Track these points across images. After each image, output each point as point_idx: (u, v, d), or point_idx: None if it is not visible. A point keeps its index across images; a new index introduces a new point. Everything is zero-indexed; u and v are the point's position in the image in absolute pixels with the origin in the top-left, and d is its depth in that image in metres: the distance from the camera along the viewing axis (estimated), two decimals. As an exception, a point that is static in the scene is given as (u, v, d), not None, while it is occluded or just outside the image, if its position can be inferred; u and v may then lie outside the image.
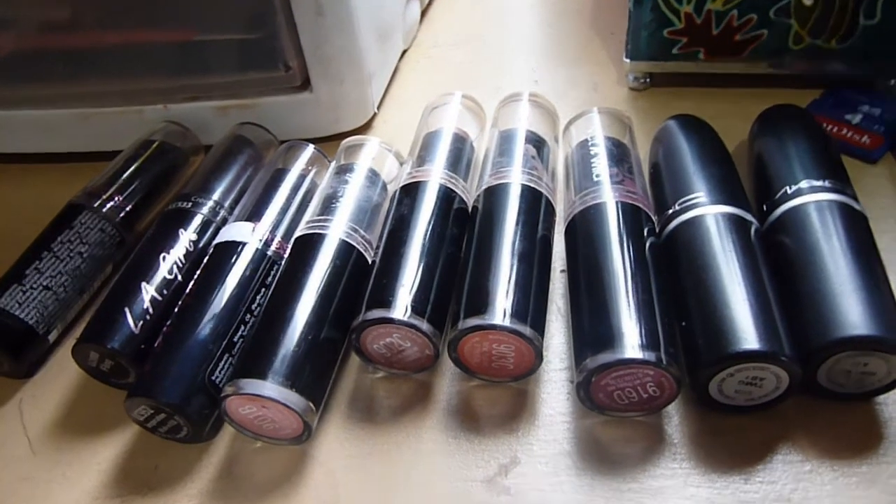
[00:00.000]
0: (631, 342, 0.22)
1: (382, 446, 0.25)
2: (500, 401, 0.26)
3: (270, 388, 0.23)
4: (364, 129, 0.38)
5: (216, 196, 0.31)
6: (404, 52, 0.43)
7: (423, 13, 0.46)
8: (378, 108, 0.39)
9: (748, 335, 0.22)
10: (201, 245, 0.29)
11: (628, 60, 0.38)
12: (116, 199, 0.31)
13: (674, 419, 0.24)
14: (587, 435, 0.24)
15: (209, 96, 0.36)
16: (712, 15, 0.35)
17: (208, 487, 0.24)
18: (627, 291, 0.24)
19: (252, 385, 0.23)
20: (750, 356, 0.22)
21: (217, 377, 0.25)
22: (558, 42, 0.44)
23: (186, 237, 0.29)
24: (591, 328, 0.24)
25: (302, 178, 0.32)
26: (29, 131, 0.38)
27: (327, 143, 0.35)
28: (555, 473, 0.23)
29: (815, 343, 0.23)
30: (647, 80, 0.38)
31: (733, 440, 0.24)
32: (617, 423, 0.24)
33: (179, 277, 0.28)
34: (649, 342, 0.22)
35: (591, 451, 0.24)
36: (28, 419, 0.27)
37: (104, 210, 0.31)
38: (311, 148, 0.33)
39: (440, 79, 0.42)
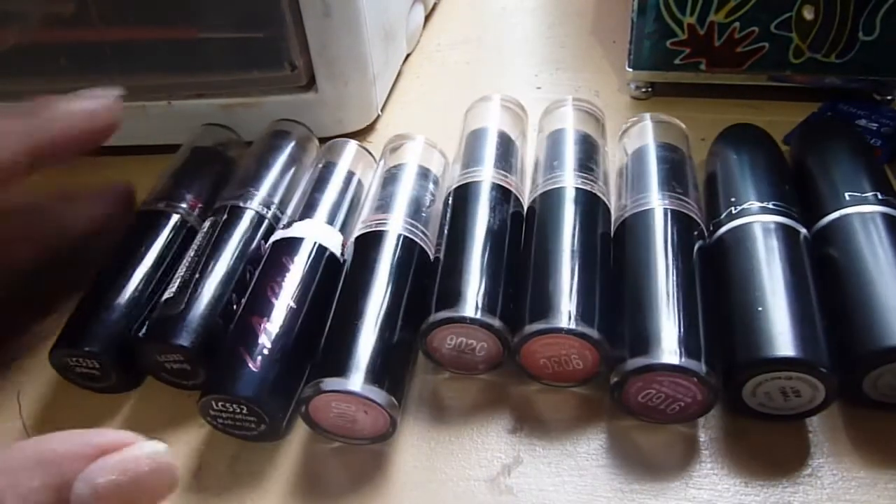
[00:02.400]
0: (670, 348, 0.22)
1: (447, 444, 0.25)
2: (502, 401, 0.26)
3: (357, 385, 0.22)
4: (367, 130, 0.38)
5: (271, 194, 0.31)
6: (408, 55, 0.44)
7: (427, 18, 0.47)
8: (381, 109, 0.39)
9: (786, 341, 0.22)
10: (261, 243, 0.29)
11: (631, 69, 0.38)
12: (197, 204, 0.31)
13: (675, 422, 0.25)
14: (590, 436, 0.25)
15: (213, 94, 0.36)
16: (715, 27, 0.36)
17: (285, 488, 0.24)
18: (670, 297, 0.24)
19: (337, 383, 0.23)
20: (788, 363, 0.22)
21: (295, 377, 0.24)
22: (560, 48, 0.44)
23: (256, 239, 0.29)
24: (631, 331, 0.23)
25: (350, 175, 0.31)
26: (30, 124, 0.37)
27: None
28: (557, 474, 0.24)
29: (861, 352, 0.23)
30: (649, 89, 0.39)
31: (734, 443, 0.24)
32: (619, 425, 0.25)
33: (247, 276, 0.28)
34: (689, 349, 0.22)
35: (593, 453, 0.24)
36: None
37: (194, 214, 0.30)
38: (354, 145, 0.33)
39: (442, 82, 0.42)
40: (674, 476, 0.23)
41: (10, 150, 0.24)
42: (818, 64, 0.36)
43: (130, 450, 0.17)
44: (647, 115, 0.32)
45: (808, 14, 0.34)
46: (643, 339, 0.23)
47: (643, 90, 0.39)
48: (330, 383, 0.23)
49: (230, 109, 0.36)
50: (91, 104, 0.26)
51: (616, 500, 0.23)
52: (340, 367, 0.23)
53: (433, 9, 0.48)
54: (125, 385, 0.27)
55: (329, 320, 0.25)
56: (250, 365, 0.24)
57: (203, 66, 0.36)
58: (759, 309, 0.23)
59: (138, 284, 0.27)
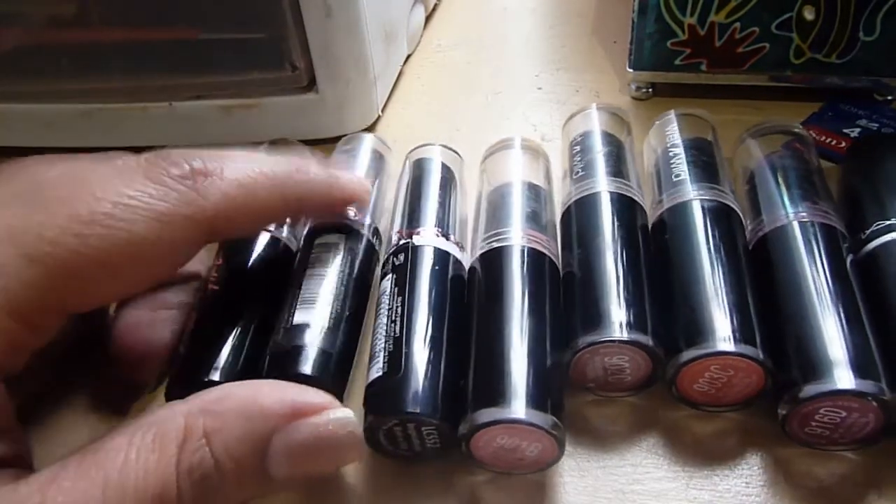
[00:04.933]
0: (846, 370, 0.21)
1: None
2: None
3: (523, 411, 0.21)
4: (368, 131, 0.38)
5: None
6: (408, 56, 0.44)
7: (427, 18, 0.47)
8: (382, 110, 0.39)
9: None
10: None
11: (631, 70, 0.38)
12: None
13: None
14: (591, 437, 0.25)
15: (214, 95, 0.36)
16: (715, 27, 0.36)
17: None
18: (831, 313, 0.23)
19: (498, 412, 0.21)
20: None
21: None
22: (561, 49, 0.44)
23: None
24: (799, 355, 0.23)
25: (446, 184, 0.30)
26: (31, 126, 0.38)
27: (331, 144, 0.35)
28: (559, 475, 0.24)
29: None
30: (650, 89, 0.39)
31: (735, 444, 0.24)
32: (620, 426, 0.25)
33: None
34: (862, 370, 0.22)
35: (594, 454, 0.24)
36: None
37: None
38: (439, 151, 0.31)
39: (443, 82, 0.42)
40: (675, 477, 0.23)
41: (286, 195, 0.23)
42: (819, 64, 0.36)
43: (325, 415, 0.18)
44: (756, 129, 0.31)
45: (808, 14, 0.35)
46: (813, 363, 0.22)
47: (644, 91, 0.39)
48: (491, 414, 0.21)
49: (230, 110, 0.36)
50: (351, 188, 0.26)
51: (616, 500, 0.23)
52: (502, 395, 0.22)
53: (434, 9, 0.48)
54: None
55: (473, 346, 0.24)
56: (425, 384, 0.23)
57: (204, 67, 0.36)
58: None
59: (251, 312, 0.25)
